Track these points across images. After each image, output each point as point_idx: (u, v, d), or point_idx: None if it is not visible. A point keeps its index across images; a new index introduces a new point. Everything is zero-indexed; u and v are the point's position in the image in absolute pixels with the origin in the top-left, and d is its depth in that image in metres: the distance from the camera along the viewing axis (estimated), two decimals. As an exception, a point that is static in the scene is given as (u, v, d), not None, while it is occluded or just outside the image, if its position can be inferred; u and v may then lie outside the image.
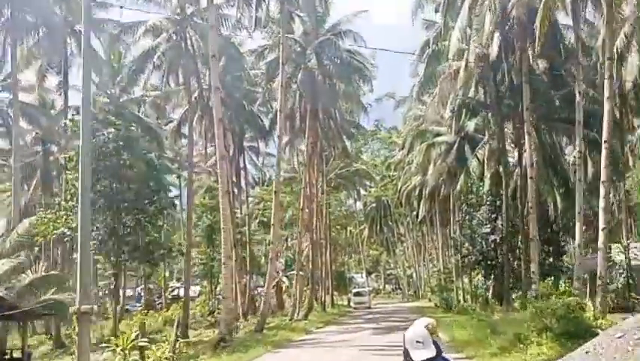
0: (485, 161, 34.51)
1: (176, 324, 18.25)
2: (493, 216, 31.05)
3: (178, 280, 57.94)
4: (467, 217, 31.94)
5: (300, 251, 34.93)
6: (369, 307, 51.64)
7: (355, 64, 32.91)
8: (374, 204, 78.12)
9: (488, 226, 30.94)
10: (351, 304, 52.74)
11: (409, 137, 43.95)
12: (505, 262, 29.00)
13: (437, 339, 3.95)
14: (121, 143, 27.81)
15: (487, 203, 31.30)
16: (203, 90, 34.79)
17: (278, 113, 27.06)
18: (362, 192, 73.88)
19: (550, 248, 31.42)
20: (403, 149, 61.36)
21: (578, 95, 23.84)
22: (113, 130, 27.99)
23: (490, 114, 31.48)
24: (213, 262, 47.97)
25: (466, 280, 44.40)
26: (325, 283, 52.02)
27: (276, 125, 44.32)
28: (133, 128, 29.89)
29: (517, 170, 31.08)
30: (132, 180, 28.80)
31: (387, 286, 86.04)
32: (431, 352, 3.76)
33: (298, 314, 36.27)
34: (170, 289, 52.37)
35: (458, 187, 34.49)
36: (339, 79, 33.80)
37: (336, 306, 54.74)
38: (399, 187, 60.43)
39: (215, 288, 49.57)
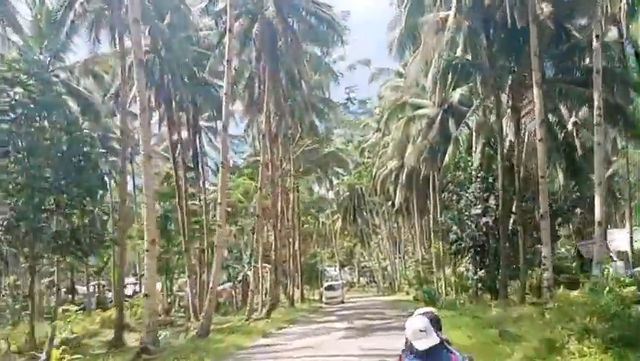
0: (474, 133, 29.76)
1: (49, 336, 12.86)
2: (485, 195, 26.32)
3: (134, 275, 52.30)
4: (455, 197, 27.18)
5: (259, 239, 29.70)
6: (343, 302, 46.74)
7: (322, 15, 27.67)
8: (347, 193, 73.28)
9: (479, 206, 26.18)
10: (323, 299, 47.77)
11: (385, 112, 38.97)
12: (501, 248, 24.27)
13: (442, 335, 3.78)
14: (32, 106, 22.24)
15: (478, 180, 26.55)
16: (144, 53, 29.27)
17: (225, 63, 21.72)
18: (334, 180, 69.22)
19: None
20: (378, 131, 56.72)
21: (595, 39, 19.20)
22: (22, 91, 22.40)
23: (480, 77, 26.68)
24: (168, 254, 42.70)
25: (448, 270, 39.86)
26: (294, 277, 46.98)
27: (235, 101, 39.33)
28: (53, 92, 24.22)
29: (509, 139, 26.42)
30: (51, 155, 23.29)
31: (361, 279, 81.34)
32: (434, 340, 3.66)
33: (260, 312, 31.21)
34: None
35: (446, 161, 29.63)
36: (304, 36, 28.55)
37: (306, 301, 49.77)
38: (373, 173, 55.64)
39: (171, 284, 44.27)
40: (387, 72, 41.28)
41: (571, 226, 36.97)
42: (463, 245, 26.19)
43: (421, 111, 34.55)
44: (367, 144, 56.32)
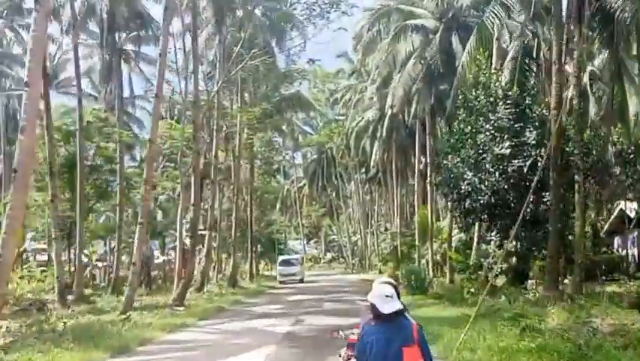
0: (496, 41, 19.64)
1: None
2: (518, 125, 16.41)
3: (42, 239, 41.16)
4: (471, 130, 17.15)
5: (149, 178, 19.10)
6: (302, 281, 36.89)
7: None
8: (315, 156, 63.21)
9: (507, 143, 16.27)
10: (277, 276, 37.77)
11: (364, 29, 28.57)
12: (551, 207, 14.49)
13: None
14: None
15: (508, 104, 16.60)
16: None
17: None
18: (301, 139, 58.97)
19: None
20: (353, 74, 46.64)
21: None
22: None
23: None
24: (73, 211, 31.63)
25: (436, 245, 30.40)
26: (243, 248, 37.05)
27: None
28: None
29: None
30: None
31: (328, 254, 71.68)
32: (399, 305, 3.69)
33: (177, 297, 20.99)
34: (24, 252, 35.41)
35: (459, 72, 19.33)
36: None
37: (259, 278, 39.77)
38: (347, 127, 45.56)
39: (74, 251, 33.17)
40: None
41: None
42: (481, 201, 16.18)
43: (414, 21, 24.34)
44: (341, 89, 45.93)
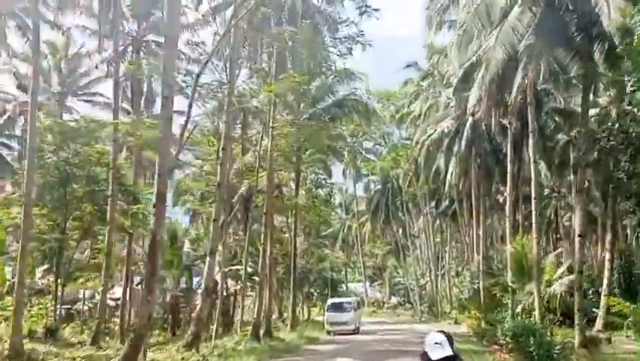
0: None
1: None
2: None
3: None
4: None
5: None
6: (356, 331, 27.77)
7: None
8: (379, 187, 54.44)
9: None
10: (325, 325, 28.62)
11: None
12: None
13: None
14: None
15: None
16: None
17: None
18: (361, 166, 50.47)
19: None
20: (425, 79, 38.35)
21: None
22: None
23: None
24: (65, 235, 24.04)
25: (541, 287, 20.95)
26: (275, 288, 28.54)
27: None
28: None
29: None
30: None
31: (392, 298, 61.71)
32: (448, 352, 3.77)
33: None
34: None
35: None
36: None
37: (305, 326, 30.89)
38: (416, 140, 36.77)
39: (62, 286, 25.14)
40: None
41: None
42: None
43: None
44: (409, 95, 37.48)
